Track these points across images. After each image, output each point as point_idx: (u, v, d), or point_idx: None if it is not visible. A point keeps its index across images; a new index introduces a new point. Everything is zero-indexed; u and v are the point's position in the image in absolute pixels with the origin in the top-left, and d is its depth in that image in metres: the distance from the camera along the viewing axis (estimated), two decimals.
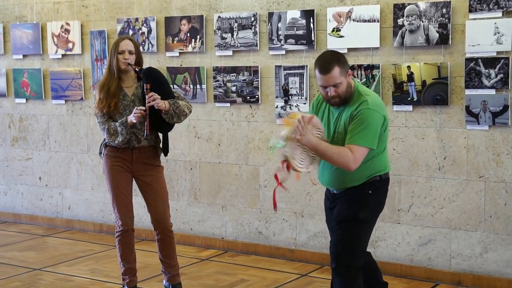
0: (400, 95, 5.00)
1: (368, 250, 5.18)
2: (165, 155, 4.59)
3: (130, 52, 4.39)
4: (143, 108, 4.28)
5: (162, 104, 4.31)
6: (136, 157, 4.46)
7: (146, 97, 4.30)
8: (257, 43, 5.55)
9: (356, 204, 3.60)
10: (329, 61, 3.52)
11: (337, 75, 3.48)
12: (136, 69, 4.42)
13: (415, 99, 4.95)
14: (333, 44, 5.19)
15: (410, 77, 4.94)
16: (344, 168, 3.48)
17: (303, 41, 5.33)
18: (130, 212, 4.54)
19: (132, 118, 4.30)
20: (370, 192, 3.62)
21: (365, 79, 5.08)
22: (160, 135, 4.59)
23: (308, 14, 5.30)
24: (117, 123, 4.36)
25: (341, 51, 5.09)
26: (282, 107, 5.46)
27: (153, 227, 4.58)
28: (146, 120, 4.32)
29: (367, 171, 3.59)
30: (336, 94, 3.52)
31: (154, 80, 4.38)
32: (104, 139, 4.50)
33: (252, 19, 5.54)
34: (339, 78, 3.49)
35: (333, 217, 3.70)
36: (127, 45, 4.40)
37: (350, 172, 3.50)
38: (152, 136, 4.46)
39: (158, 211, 4.51)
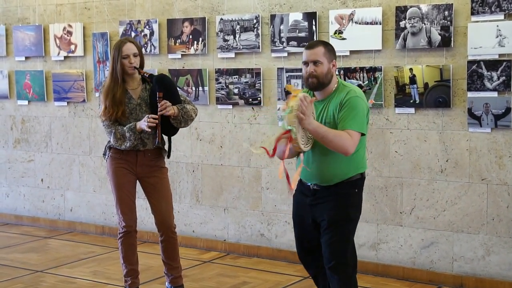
0: (402, 98, 5.00)
1: (370, 253, 5.20)
2: (168, 157, 4.59)
3: (135, 55, 4.39)
4: (156, 117, 4.29)
5: (172, 111, 4.33)
6: (140, 160, 4.46)
7: (158, 105, 4.30)
8: (259, 45, 5.55)
9: (344, 204, 3.64)
10: (317, 41, 3.88)
11: (320, 53, 3.61)
12: (146, 75, 4.41)
13: (417, 102, 4.94)
14: (335, 46, 5.11)
15: (412, 80, 4.94)
16: (342, 151, 3.50)
17: (305, 43, 5.32)
18: (133, 213, 4.54)
19: (143, 126, 4.30)
20: (356, 191, 3.68)
21: (367, 82, 5.08)
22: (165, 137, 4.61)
23: (310, 16, 5.30)
24: (125, 129, 4.35)
25: (343, 54, 5.15)
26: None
27: (157, 228, 4.58)
28: (157, 129, 4.33)
29: (352, 164, 3.63)
30: (314, 72, 3.59)
31: (166, 88, 4.38)
32: (109, 141, 4.50)
33: (254, 21, 5.55)
34: (321, 57, 3.60)
35: (311, 214, 3.69)
36: (130, 49, 4.38)
37: (336, 162, 3.56)
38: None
39: (162, 212, 4.51)
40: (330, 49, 3.67)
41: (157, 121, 4.29)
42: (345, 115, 3.55)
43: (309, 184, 3.71)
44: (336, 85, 3.67)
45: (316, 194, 3.68)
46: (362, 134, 3.59)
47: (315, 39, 5.27)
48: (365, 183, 3.79)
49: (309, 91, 3.73)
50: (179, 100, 4.45)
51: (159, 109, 4.30)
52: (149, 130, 4.30)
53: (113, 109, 4.34)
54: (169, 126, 4.42)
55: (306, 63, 3.63)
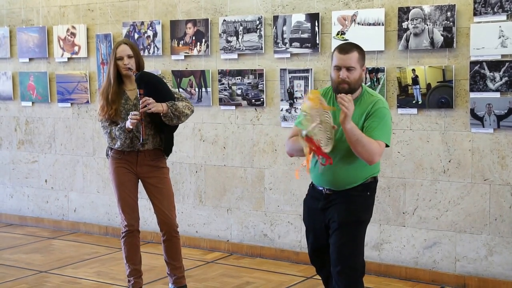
0: (405, 98, 5.01)
1: (373, 253, 5.21)
2: (167, 155, 4.60)
3: (129, 56, 4.41)
4: (137, 113, 4.31)
5: (159, 107, 4.32)
6: (141, 160, 4.49)
7: (140, 102, 4.33)
8: (262, 46, 5.57)
9: (357, 206, 3.61)
10: (351, 45, 3.60)
11: (355, 59, 3.51)
12: (134, 74, 4.43)
13: (420, 102, 4.96)
14: None
15: (415, 80, 4.95)
16: (368, 159, 3.46)
17: (308, 45, 5.35)
18: (136, 213, 4.56)
19: (128, 124, 4.33)
20: (368, 193, 3.65)
21: (370, 83, 5.09)
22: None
23: (313, 17, 5.32)
24: (116, 128, 4.40)
25: None
26: (287, 110, 5.48)
27: (159, 228, 4.60)
28: (141, 126, 4.34)
29: (369, 171, 3.61)
30: (347, 79, 3.50)
31: (147, 84, 4.36)
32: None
33: (257, 22, 5.57)
34: (355, 64, 3.51)
35: (324, 218, 3.67)
36: (124, 50, 4.41)
37: (353, 169, 3.54)
38: (156, 139, 4.49)
39: (164, 212, 4.53)
40: (363, 54, 3.57)
41: (138, 117, 4.30)
42: (374, 125, 3.50)
43: (321, 188, 3.67)
44: (360, 91, 3.60)
45: (329, 197, 3.65)
46: (387, 146, 3.55)
47: (317, 41, 5.29)
48: None
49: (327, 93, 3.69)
50: (170, 97, 4.44)
51: (140, 106, 4.32)
52: (131, 127, 4.32)
53: (107, 107, 4.40)
54: (161, 124, 4.43)
55: (338, 68, 3.53)
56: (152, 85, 4.40)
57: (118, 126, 4.40)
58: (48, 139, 6.89)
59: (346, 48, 3.55)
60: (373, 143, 3.45)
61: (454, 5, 4.78)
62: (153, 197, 4.56)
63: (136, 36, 6.11)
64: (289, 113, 5.46)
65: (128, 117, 4.32)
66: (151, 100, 4.30)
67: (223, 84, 5.77)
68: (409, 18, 4.93)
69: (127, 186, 4.51)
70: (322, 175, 3.65)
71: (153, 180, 4.54)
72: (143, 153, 4.48)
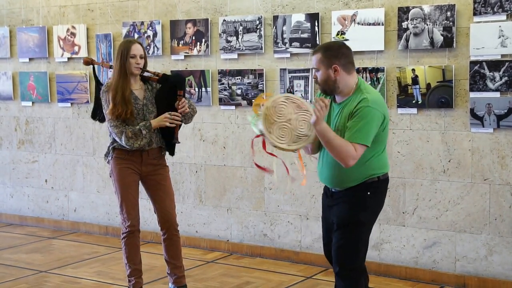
0: (404, 98, 5.01)
1: (373, 252, 5.21)
2: (172, 155, 4.66)
3: (141, 57, 4.43)
4: (179, 114, 4.42)
5: (187, 109, 4.46)
6: (145, 159, 4.50)
7: (179, 103, 4.41)
8: (262, 46, 5.57)
9: (356, 206, 3.58)
10: (320, 46, 3.66)
11: (316, 61, 3.56)
12: (155, 75, 4.45)
13: (419, 102, 4.96)
14: None
15: (415, 80, 4.95)
16: (342, 162, 3.44)
17: (308, 44, 5.35)
18: (137, 213, 4.57)
19: (165, 122, 4.41)
20: (369, 193, 3.59)
21: (370, 82, 5.09)
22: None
23: (312, 17, 5.32)
24: (139, 127, 4.37)
25: None
26: None
27: (159, 226, 4.60)
28: (177, 126, 4.45)
29: (365, 171, 3.55)
30: (316, 78, 3.60)
31: (184, 86, 4.53)
32: (112, 142, 4.52)
33: (257, 22, 5.57)
34: (317, 65, 3.56)
35: (330, 215, 3.68)
36: (138, 49, 4.42)
37: (347, 168, 3.47)
38: (158, 137, 4.51)
39: (166, 209, 4.54)
40: (329, 55, 3.52)
41: (180, 118, 4.42)
42: (353, 126, 3.45)
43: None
44: (354, 88, 3.56)
45: (333, 196, 3.66)
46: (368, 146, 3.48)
47: (317, 40, 5.29)
48: None
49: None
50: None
51: (180, 106, 4.42)
52: (172, 125, 4.42)
53: (122, 108, 4.33)
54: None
55: None
56: (185, 87, 4.60)
57: (142, 124, 4.39)
58: (48, 139, 6.90)
59: (315, 50, 3.63)
60: (347, 147, 3.41)
61: (454, 5, 4.78)
62: (156, 195, 4.57)
63: (136, 36, 6.11)
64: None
65: (167, 117, 4.40)
66: (186, 101, 4.45)
67: (223, 84, 5.77)
68: (409, 18, 4.93)
69: (131, 187, 4.52)
70: (321, 174, 3.68)
71: (158, 177, 4.56)
72: (147, 152, 4.50)
